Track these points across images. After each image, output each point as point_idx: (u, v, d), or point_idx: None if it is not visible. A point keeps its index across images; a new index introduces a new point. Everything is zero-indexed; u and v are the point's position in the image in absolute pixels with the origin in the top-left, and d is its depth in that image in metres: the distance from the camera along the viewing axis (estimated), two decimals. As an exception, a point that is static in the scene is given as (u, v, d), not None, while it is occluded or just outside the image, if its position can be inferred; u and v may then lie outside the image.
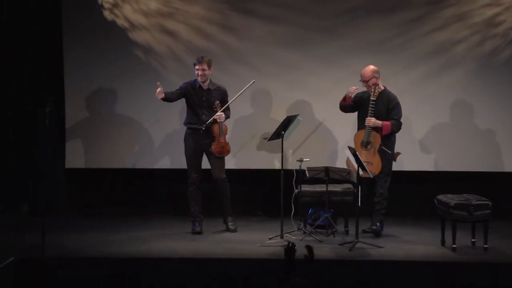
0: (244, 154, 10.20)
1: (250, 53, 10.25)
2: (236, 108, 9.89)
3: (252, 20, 10.22)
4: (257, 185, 10.15)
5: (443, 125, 10.06)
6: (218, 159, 9.13)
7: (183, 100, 9.19)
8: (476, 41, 9.99)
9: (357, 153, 8.31)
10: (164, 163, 10.26)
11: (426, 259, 7.87)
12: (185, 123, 9.19)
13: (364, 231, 8.87)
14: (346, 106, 9.07)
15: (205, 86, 9.07)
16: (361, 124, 8.99)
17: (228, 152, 9.13)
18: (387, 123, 8.86)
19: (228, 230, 9.20)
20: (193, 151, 9.15)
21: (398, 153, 8.97)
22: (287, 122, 8.81)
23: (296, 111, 9.47)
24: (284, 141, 8.74)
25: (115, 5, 10.31)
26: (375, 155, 8.85)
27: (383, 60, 9.66)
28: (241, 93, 9.05)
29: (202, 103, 9.08)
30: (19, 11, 10.27)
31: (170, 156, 10.18)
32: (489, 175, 9.99)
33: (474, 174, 9.99)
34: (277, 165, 8.75)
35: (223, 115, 9.03)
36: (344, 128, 9.89)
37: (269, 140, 8.91)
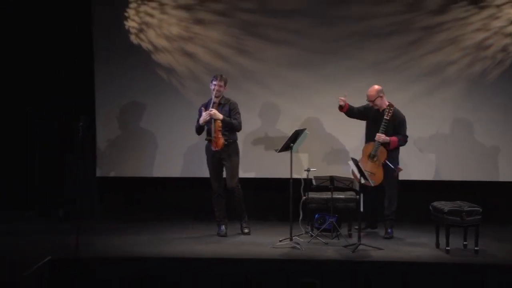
0: (257, 165, 10.17)
1: (261, 73, 10.24)
2: (249, 123, 9.92)
3: (263, 44, 10.21)
4: (269, 192, 10.11)
5: (439, 138, 10.02)
6: (229, 168, 9.06)
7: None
8: (467, 62, 9.95)
9: (359, 163, 8.31)
10: (187, 172, 10.23)
11: (422, 260, 7.83)
12: (205, 138, 9.20)
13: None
14: (346, 113, 9.14)
15: (216, 101, 9.02)
16: (369, 137, 9.02)
17: (220, 146, 8.90)
18: (394, 138, 8.88)
19: (242, 233, 9.20)
20: (211, 162, 9.14)
21: (400, 169, 8.96)
22: (296, 135, 8.79)
23: (304, 126, 9.46)
24: (292, 153, 8.74)
25: (141, 30, 10.33)
26: (379, 168, 8.85)
27: (383, 79, 9.64)
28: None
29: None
30: (55, 34, 10.31)
31: (192, 166, 10.15)
32: (481, 184, 9.92)
33: (467, 183, 9.92)
34: (287, 175, 8.72)
35: (211, 112, 8.85)
36: (347, 141, 9.89)
37: (279, 151, 8.87)
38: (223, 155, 9.01)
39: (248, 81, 10.23)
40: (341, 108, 9.13)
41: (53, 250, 7.92)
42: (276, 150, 8.94)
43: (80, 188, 9.75)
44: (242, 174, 9.42)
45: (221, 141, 8.92)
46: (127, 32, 10.31)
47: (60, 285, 7.38)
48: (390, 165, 8.84)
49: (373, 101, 9.00)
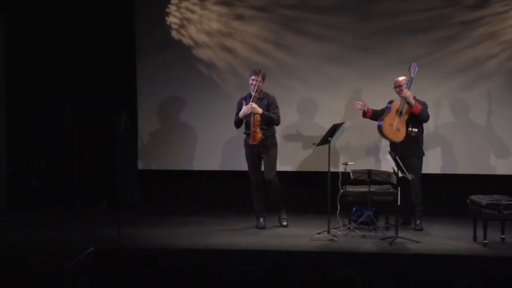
0: (295, 158, 10.21)
1: (300, 68, 10.26)
2: (288, 117, 9.95)
3: (302, 39, 10.23)
4: (307, 186, 10.13)
5: (477, 133, 9.97)
6: (267, 160, 9.08)
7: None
8: (506, 56, 9.88)
9: (397, 157, 8.30)
10: (226, 165, 10.31)
11: (460, 253, 7.79)
12: (244, 132, 9.26)
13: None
14: (372, 118, 9.15)
15: (255, 96, 9.06)
16: None
17: (257, 140, 8.93)
18: (419, 105, 8.90)
19: (280, 225, 9.24)
20: (250, 156, 9.19)
21: (413, 131, 8.90)
22: (334, 129, 8.77)
23: (342, 120, 9.46)
24: (331, 146, 8.75)
25: (182, 25, 10.41)
26: (403, 125, 8.84)
27: (419, 75, 9.55)
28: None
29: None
30: (98, 30, 10.43)
31: (231, 159, 10.22)
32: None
33: (505, 177, 9.85)
34: (325, 168, 8.73)
35: (252, 106, 8.89)
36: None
37: (317, 145, 8.87)
38: (261, 149, 9.05)
39: (287, 76, 10.26)
40: (364, 114, 9.10)
41: (96, 241, 8.01)
42: (314, 144, 8.95)
43: (123, 181, 9.85)
44: (280, 167, 9.46)
45: (259, 135, 8.96)
46: (169, 28, 10.40)
47: (103, 275, 7.48)
48: (412, 130, 8.85)
49: (400, 86, 8.98)
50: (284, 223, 9.21)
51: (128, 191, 10.25)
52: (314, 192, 9.86)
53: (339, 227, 8.80)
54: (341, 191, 8.98)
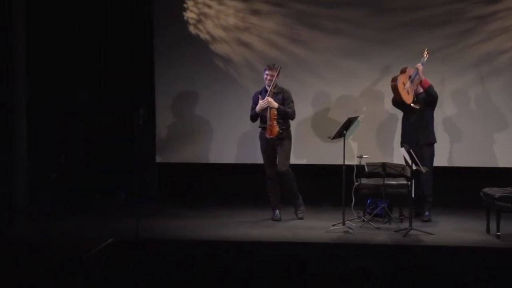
0: (311, 151, 10.24)
1: (315, 62, 10.28)
2: (303, 111, 9.99)
3: (317, 33, 10.26)
4: (322, 178, 10.15)
5: (491, 126, 9.96)
6: (281, 153, 9.11)
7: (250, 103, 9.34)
8: (519, 51, 9.91)
9: (411, 150, 8.34)
10: (242, 158, 10.35)
11: (473, 245, 7.84)
12: (259, 126, 9.31)
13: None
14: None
15: (270, 90, 9.09)
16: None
17: (274, 134, 8.98)
18: (428, 81, 9.05)
19: (297, 217, 9.28)
20: (265, 149, 9.24)
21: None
22: (349, 122, 8.82)
23: (356, 114, 9.50)
24: (345, 140, 8.80)
25: (199, 21, 10.45)
26: (412, 92, 9.06)
27: (434, 69, 9.64)
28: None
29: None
30: (117, 26, 10.51)
31: (247, 152, 10.23)
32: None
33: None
34: (340, 161, 8.77)
35: (268, 100, 8.96)
36: (399, 128, 9.84)
37: (332, 138, 8.91)
38: (276, 141, 9.09)
39: (302, 70, 10.29)
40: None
41: (114, 232, 8.09)
42: (329, 137, 8.98)
43: (141, 174, 9.92)
44: (296, 160, 9.50)
45: (276, 129, 9.00)
46: (186, 23, 10.45)
47: (121, 266, 7.55)
48: (415, 106, 9.03)
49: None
50: (300, 215, 9.25)
51: (146, 183, 10.35)
52: (329, 185, 9.89)
53: (354, 219, 8.84)
54: (356, 183, 9.01)
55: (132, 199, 9.78)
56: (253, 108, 9.19)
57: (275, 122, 9.00)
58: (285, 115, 9.09)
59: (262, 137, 9.20)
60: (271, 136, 9.03)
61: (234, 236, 8.25)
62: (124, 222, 8.63)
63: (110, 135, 10.52)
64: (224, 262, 7.50)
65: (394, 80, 9.08)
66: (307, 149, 10.22)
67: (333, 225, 8.60)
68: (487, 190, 8.41)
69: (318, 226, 8.66)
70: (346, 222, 8.55)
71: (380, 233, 8.40)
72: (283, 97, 9.12)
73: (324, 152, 10.10)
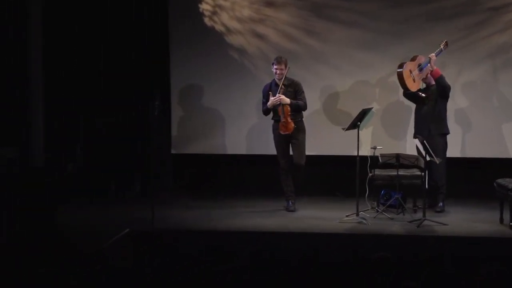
0: (325, 143, 10.22)
1: (330, 54, 10.27)
2: (318, 103, 9.99)
3: (332, 25, 10.24)
4: (336, 169, 10.15)
5: (503, 117, 9.92)
6: (297, 146, 9.12)
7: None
8: (533, 43, 9.84)
9: (424, 141, 8.32)
10: (256, 150, 10.35)
11: (486, 235, 7.85)
12: (272, 118, 9.31)
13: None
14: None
15: (280, 83, 9.08)
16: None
17: (289, 130, 9.00)
18: (439, 71, 9.03)
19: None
20: (278, 141, 9.23)
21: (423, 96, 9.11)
22: (363, 114, 8.81)
23: (371, 105, 9.49)
24: (359, 131, 8.79)
25: (214, 12, 10.46)
26: (419, 80, 9.05)
27: (448, 61, 9.61)
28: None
29: None
30: (132, 18, 10.53)
31: (261, 144, 10.19)
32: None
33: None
34: (354, 152, 8.77)
35: (280, 97, 8.95)
36: (413, 120, 9.83)
37: (346, 130, 8.91)
38: (291, 134, 9.11)
39: (316, 61, 10.27)
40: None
41: (130, 223, 8.15)
42: (343, 129, 8.98)
43: (156, 165, 9.96)
44: (310, 151, 9.49)
45: (291, 125, 9.02)
46: (201, 14, 10.45)
47: (136, 256, 7.59)
48: (420, 94, 9.04)
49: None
50: (291, 208, 9.20)
51: (161, 174, 10.35)
52: (343, 176, 9.89)
53: (368, 210, 8.85)
54: (370, 174, 9.02)
55: (148, 191, 9.85)
56: (264, 102, 9.19)
57: (290, 118, 9.00)
58: (298, 108, 9.10)
59: (275, 129, 9.20)
60: (287, 133, 9.05)
61: (248, 226, 8.28)
62: (140, 212, 8.66)
63: (125, 126, 10.52)
64: (238, 253, 7.53)
65: (400, 66, 9.06)
66: (321, 140, 10.21)
67: (347, 216, 8.60)
68: (501, 181, 8.39)
69: (332, 217, 8.68)
70: (360, 213, 8.56)
71: (394, 223, 8.41)
72: (295, 90, 9.11)
73: (338, 143, 10.08)
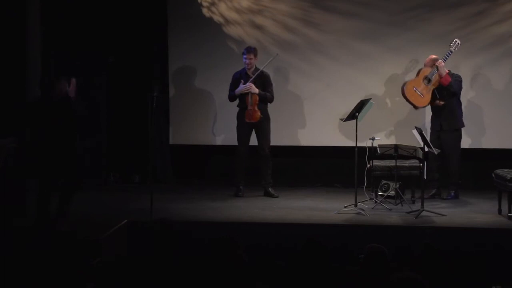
0: (323, 133, 10.19)
1: (329, 44, 10.22)
2: (316, 93, 9.94)
3: (331, 16, 10.19)
4: (334, 160, 10.12)
5: (502, 108, 9.89)
6: (262, 135, 9.30)
7: None
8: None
9: (423, 132, 8.29)
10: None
11: (485, 226, 7.82)
12: (237, 105, 9.42)
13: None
14: None
15: (250, 72, 9.26)
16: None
17: (255, 119, 9.21)
18: (449, 77, 8.96)
19: (273, 196, 9.33)
20: (241, 128, 9.38)
21: (440, 103, 9.04)
22: (361, 105, 8.78)
23: (369, 96, 9.44)
24: (358, 122, 8.75)
25: (212, 3, 10.40)
26: (428, 93, 8.98)
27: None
28: (265, 66, 9.23)
29: None
30: (131, 10, 10.47)
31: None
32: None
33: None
34: (352, 143, 8.73)
35: (250, 86, 9.14)
36: (412, 110, 9.79)
37: (345, 120, 8.89)
38: (256, 122, 9.26)
39: (315, 52, 10.24)
40: None
41: (129, 214, 8.13)
42: (341, 120, 8.96)
43: (155, 155, 9.93)
44: (308, 142, 9.48)
45: (258, 114, 9.21)
46: (200, 5, 10.41)
47: (135, 246, 7.57)
48: (439, 102, 9.02)
49: (434, 60, 9.07)
50: (276, 194, 9.34)
51: (160, 165, 10.33)
52: (341, 166, 9.87)
53: (366, 200, 8.80)
54: (368, 165, 8.98)
55: (146, 181, 9.83)
56: (232, 89, 9.35)
57: (257, 107, 9.18)
58: (265, 100, 9.28)
59: (240, 117, 9.34)
60: (252, 121, 9.21)
61: (246, 218, 8.24)
62: (138, 203, 8.66)
63: (123, 116, 10.50)
64: (237, 244, 7.49)
65: (402, 89, 9.08)
66: (320, 131, 10.17)
67: (345, 207, 8.57)
68: (499, 171, 8.36)
69: (330, 208, 8.66)
70: (358, 204, 8.52)
71: (392, 214, 8.38)
72: (264, 81, 9.26)
73: (337, 134, 10.05)
